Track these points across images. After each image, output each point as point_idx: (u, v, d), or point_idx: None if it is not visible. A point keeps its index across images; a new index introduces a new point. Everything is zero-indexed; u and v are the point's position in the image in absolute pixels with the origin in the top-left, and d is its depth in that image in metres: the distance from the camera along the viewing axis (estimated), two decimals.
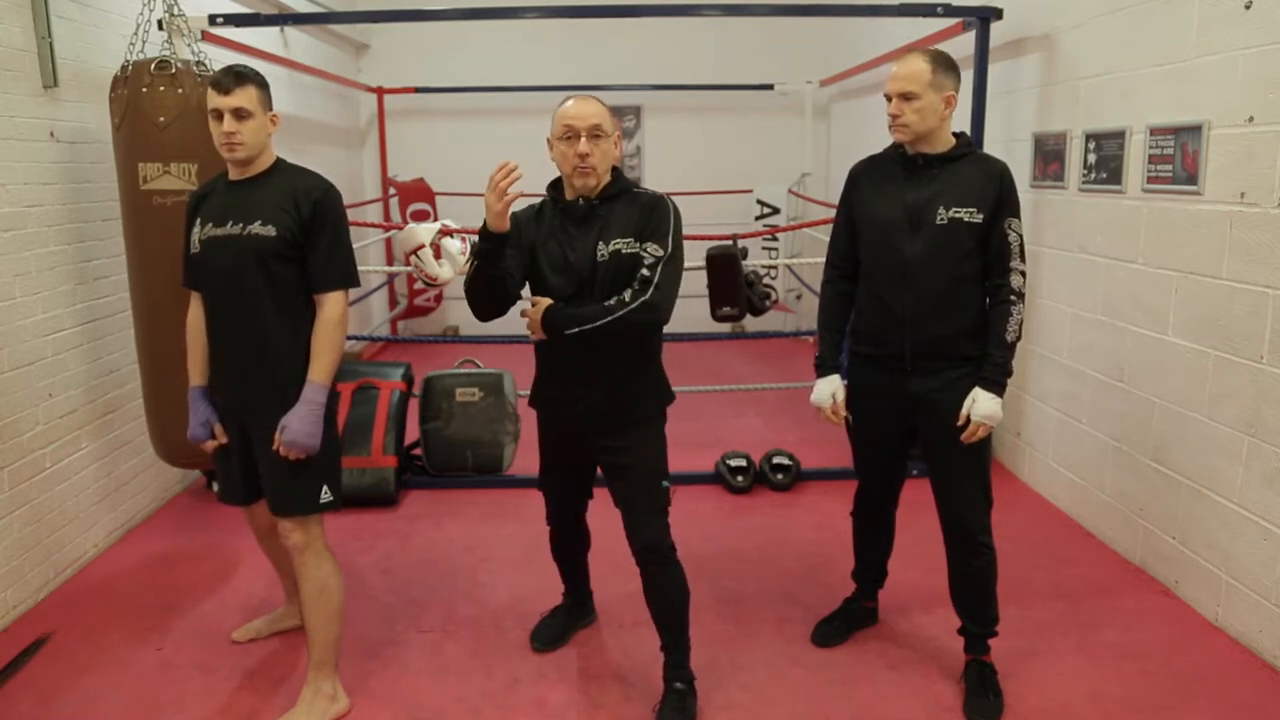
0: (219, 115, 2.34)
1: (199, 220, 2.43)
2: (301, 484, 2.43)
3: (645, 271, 2.33)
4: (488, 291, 2.40)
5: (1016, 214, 2.45)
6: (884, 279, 2.52)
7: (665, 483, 2.49)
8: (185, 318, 2.56)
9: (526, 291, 2.52)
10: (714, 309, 3.26)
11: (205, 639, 2.96)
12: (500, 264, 2.34)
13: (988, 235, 2.44)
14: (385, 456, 4.09)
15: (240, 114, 2.34)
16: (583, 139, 2.33)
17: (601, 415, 2.46)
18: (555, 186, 2.48)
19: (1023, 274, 2.44)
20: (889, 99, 2.44)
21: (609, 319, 2.31)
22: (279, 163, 2.48)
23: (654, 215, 2.38)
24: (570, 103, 2.38)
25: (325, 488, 2.46)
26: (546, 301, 2.39)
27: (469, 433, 4.16)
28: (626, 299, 2.32)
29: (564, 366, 2.48)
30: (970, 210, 2.42)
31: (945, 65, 2.42)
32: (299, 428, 2.34)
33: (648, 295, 2.31)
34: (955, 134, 2.50)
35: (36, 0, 3.23)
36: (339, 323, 2.41)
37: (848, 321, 2.69)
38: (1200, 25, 3.01)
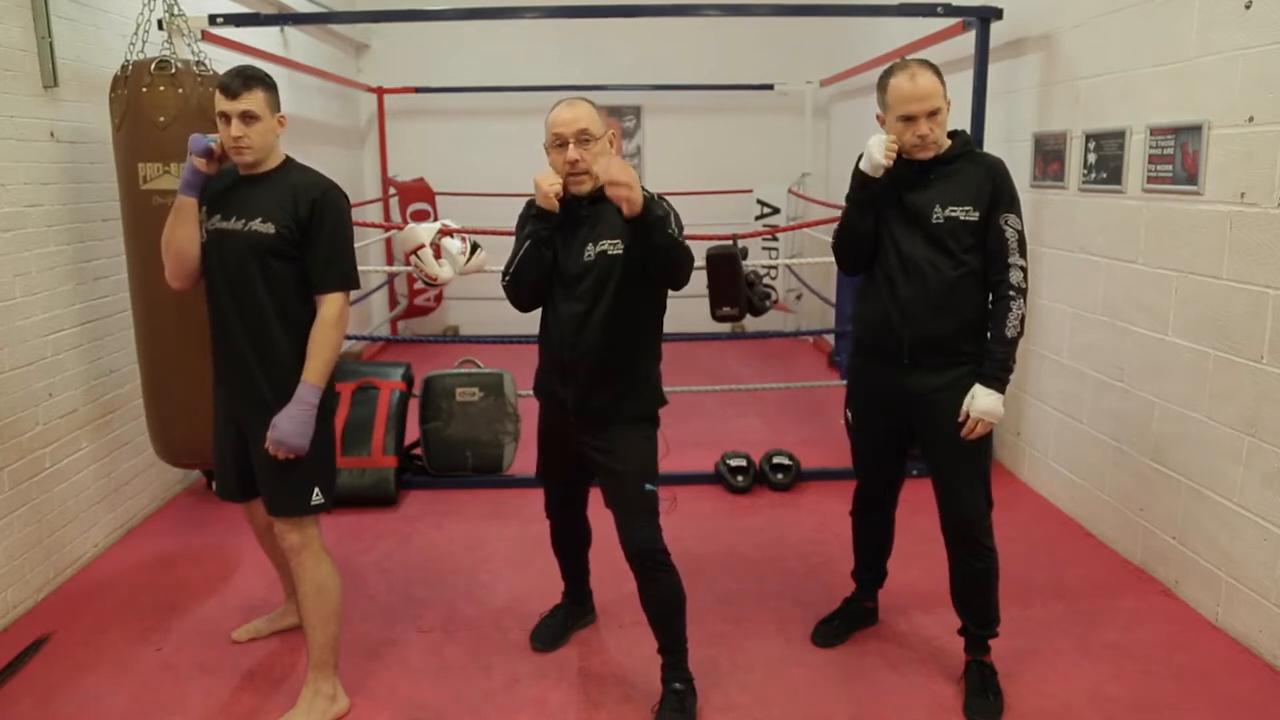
0: (226, 119, 2.34)
1: (206, 208, 2.44)
2: (292, 485, 2.43)
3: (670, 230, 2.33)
4: (540, 273, 2.43)
5: (1014, 210, 2.45)
6: (884, 276, 2.53)
7: (649, 486, 2.47)
8: (185, 318, 2.55)
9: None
10: (714, 309, 3.25)
11: (205, 639, 2.96)
12: (552, 243, 2.40)
13: (985, 232, 2.44)
14: (385, 456, 4.09)
15: (248, 117, 2.33)
16: (571, 146, 2.34)
17: (589, 413, 2.47)
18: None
19: (1023, 270, 2.43)
20: (911, 119, 2.39)
21: (674, 236, 2.31)
22: (287, 161, 2.48)
23: None
24: (558, 110, 2.39)
25: (317, 489, 2.45)
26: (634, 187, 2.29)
27: (469, 433, 4.16)
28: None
29: (558, 361, 2.49)
30: (966, 209, 2.43)
31: (940, 73, 2.44)
32: (287, 428, 2.34)
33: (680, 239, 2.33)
34: (951, 134, 2.51)
35: (36, 0, 3.23)
36: (335, 323, 2.40)
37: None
38: (1200, 25, 3.01)
